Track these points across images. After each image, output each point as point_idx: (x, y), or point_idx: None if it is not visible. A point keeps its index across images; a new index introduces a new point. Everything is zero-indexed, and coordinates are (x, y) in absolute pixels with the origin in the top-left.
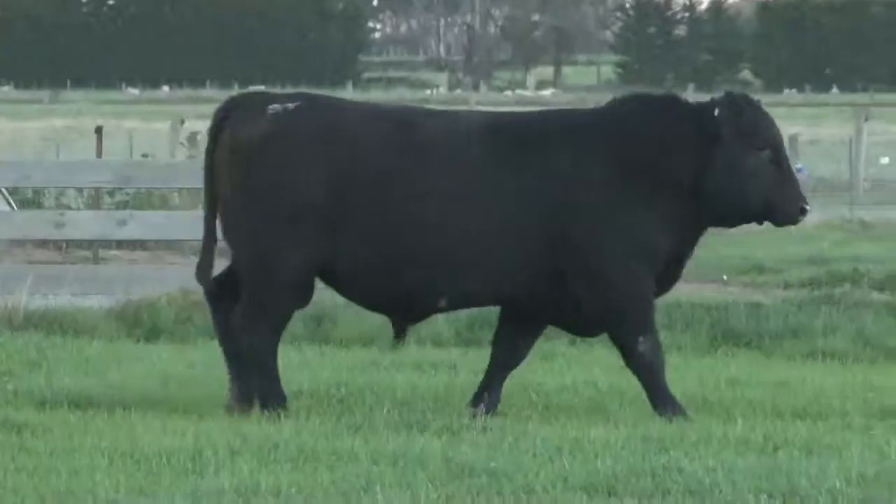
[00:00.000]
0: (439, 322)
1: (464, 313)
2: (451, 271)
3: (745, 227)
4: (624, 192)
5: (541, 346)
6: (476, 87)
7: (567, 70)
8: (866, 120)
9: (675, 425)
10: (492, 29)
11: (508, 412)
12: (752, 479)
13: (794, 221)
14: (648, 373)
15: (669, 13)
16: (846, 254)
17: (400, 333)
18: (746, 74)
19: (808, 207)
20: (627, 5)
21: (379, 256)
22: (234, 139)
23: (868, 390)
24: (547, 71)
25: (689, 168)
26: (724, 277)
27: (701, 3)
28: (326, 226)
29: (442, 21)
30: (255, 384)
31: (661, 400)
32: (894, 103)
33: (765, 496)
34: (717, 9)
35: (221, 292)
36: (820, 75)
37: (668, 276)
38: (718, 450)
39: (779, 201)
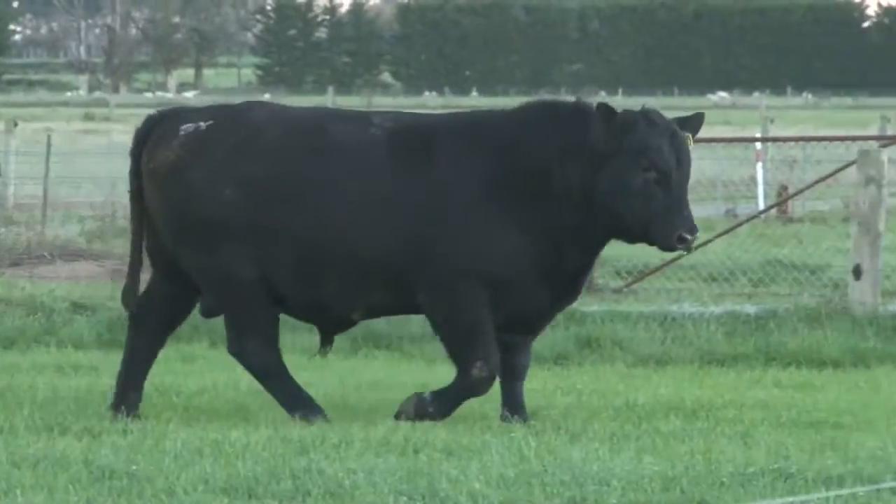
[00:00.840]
0: (80, 324)
1: (102, 314)
2: (357, 284)
3: None
4: (492, 200)
5: (181, 348)
6: (116, 89)
7: (208, 72)
8: None
9: (315, 427)
10: (133, 31)
11: (149, 414)
12: (392, 480)
13: (670, 249)
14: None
15: (311, 15)
16: None
17: (325, 342)
18: (386, 77)
19: (689, 237)
20: (268, 7)
21: (290, 270)
22: (150, 162)
23: None
24: (188, 73)
25: (580, 178)
26: None
27: (342, 6)
28: (246, 242)
29: (83, 23)
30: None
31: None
32: None
33: (405, 498)
34: (357, 11)
35: (143, 314)
36: (460, 78)
37: (570, 286)
38: (360, 452)
39: (656, 225)
